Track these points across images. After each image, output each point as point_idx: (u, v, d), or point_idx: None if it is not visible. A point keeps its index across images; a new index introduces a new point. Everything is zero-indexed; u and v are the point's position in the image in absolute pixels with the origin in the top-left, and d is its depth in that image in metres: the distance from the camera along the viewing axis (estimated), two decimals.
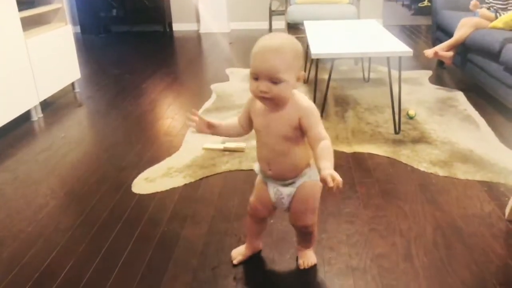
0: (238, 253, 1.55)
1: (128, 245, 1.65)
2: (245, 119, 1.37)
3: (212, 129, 1.39)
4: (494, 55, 2.63)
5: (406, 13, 7.01)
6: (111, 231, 1.74)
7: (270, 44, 1.18)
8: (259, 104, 1.28)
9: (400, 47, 2.40)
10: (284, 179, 1.34)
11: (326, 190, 1.12)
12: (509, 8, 2.87)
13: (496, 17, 2.92)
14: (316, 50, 2.37)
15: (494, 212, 1.78)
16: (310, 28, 2.96)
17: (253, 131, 1.38)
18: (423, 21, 6.15)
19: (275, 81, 1.16)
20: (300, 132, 1.26)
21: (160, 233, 1.72)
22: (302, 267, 1.49)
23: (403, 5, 7.65)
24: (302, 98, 1.26)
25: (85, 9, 5.79)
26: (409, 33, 5.45)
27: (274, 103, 1.22)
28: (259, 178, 1.42)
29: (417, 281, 1.43)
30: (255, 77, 1.19)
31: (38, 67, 2.91)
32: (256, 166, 1.42)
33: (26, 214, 1.88)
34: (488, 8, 3.09)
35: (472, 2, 3.07)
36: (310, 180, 1.33)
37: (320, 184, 1.21)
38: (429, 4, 6.15)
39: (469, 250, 1.57)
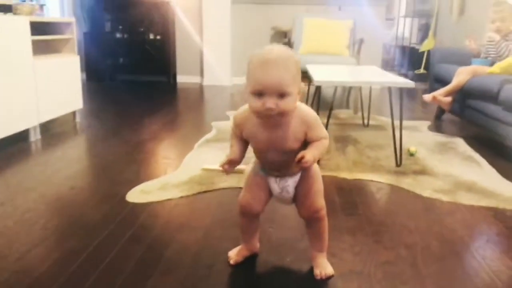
0: (235, 253, 1.47)
1: (117, 245, 1.56)
2: (239, 147, 1.28)
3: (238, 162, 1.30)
4: (493, 97, 2.68)
5: None
6: (100, 232, 1.65)
7: (273, 57, 1.11)
8: (255, 124, 1.22)
9: (401, 79, 2.44)
10: (292, 173, 1.32)
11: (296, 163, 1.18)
12: (503, 56, 2.97)
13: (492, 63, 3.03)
14: (318, 78, 2.41)
15: (503, 232, 1.71)
16: (313, 68, 3.03)
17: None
18: (419, 86, 6.35)
19: (282, 95, 1.11)
20: (304, 142, 1.24)
21: (152, 236, 1.63)
22: (319, 277, 1.36)
23: (399, 73, 7.94)
24: (304, 109, 1.23)
25: (93, 56, 5.96)
26: (408, 94, 5.60)
27: (278, 120, 1.16)
28: (253, 174, 1.37)
29: (425, 286, 1.34)
30: (259, 93, 1.11)
31: (42, 89, 2.93)
32: (257, 166, 1.37)
33: (12, 216, 1.79)
34: (486, 58, 3.21)
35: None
36: None
37: (317, 166, 1.34)
38: (425, 71, 6.40)
39: (479, 261, 1.49)
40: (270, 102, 1.10)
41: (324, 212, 1.36)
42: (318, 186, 1.34)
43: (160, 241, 1.59)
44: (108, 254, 1.48)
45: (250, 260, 1.47)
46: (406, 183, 2.23)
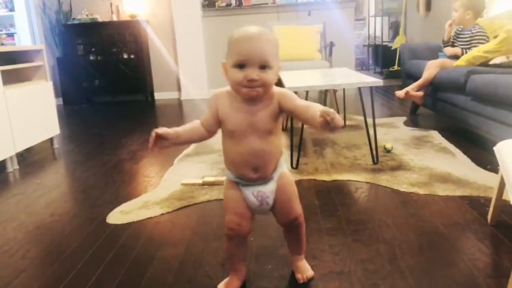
0: (227, 286, 1.36)
1: (99, 268, 1.55)
2: (212, 120, 1.24)
3: (171, 139, 1.25)
4: (461, 88, 2.75)
5: (378, 78, 7.37)
6: (81, 256, 1.64)
7: (254, 31, 1.13)
8: (232, 102, 1.20)
9: (370, 78, 2.49)
10: (267, 177, 1.26)
11: (324, 127, 1.06)
12: (472, 47, 3.05)
13: (462, 53, 3.09)
14: (289, 84, 2.45)
15: (477, 219, 1.75)
16: (284, 74, 3.07)
17: (218, 136, 1.28)
18: (394, 82, 6.45)
19: (264, 66, 1.11)
20: (277, 120, 1.22)
21: (134, 256, 1.63)
22: (301, 281, 1.36)
23: (374, 72, 8.05)
24: (277, 87, 1.23)
25: (68, 81, 5.92)
26: (382, 92, 5.69)
27: (260, 94, 1.15)
28: (229, 187, 1.30)
29: (404, 279, 1.36)
30: (241, 64, 1.11)
31: (16, 118, 2.91)
32: (229, 175, 1.30)
33: None
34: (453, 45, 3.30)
35: (448, 22, 3.28)
36: (283, 169, 1.31)
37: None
38: (399, 68, 6.50)
39: (455, 251, 1.52)
40: (253, 73, 1.10)
41: (302, 218, 1.35)
42: (295, 190, 1.32)
43: (142, 261, 1.59)
44: (90, 278, 1.48)
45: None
46: (384, 179, 2.26)
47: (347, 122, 3.65)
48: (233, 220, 1.28)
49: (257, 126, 1.19)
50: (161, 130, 1.24)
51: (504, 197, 1.66)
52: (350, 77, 2.63)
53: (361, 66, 8.81)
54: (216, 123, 1.25)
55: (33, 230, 1.92)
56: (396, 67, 7.01)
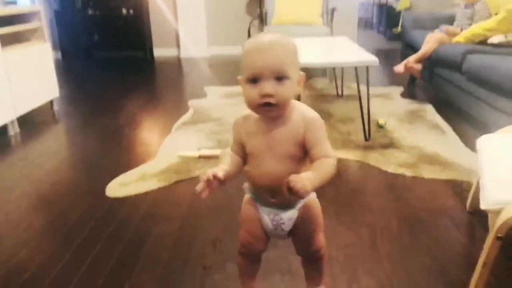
0: None
1: (98, 243, 1.66)
2: (238, 146, 1.14)
3: (226, 180, 1.10)
4: (457, 66, 2.77)
5: (381, 39, 7.28)
6: (82, 230, 1.75)
7: (268, 39, 1.00)
8: (252, 124, 1.09)
9: (366, 57, 2.51)
10: (288, 204, 1.13)
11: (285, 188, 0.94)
12: (473, 23, 3.03)
13: (461, 30, 3.08)
14: None
15: (457, 205, 1.85)
16: None
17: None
18: (397, 45, 6.38)
19: (281, 76, 0.97)
20: (305, 150, 1.05)
21: (131, 232, 1.73)
22: None
23: (378, 31, 7.94)
24: (306, 108, 1.07)
25: (66, 34, 5.87)
26: (384, 55, 5.65)
27: (278, 111, 1.02)
28: (247, 204, 1.19)
29: (381, 265, 1.47)
30: (255, 78, 0.98)
31: (15, 82, 2.94)
32: (249, 191, 1.19)
33: None
34: (457, 26, 3.28)
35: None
36: (309, 198, 1.15)
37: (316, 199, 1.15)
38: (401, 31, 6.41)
39: (431, 238, 1.62)
40: (268, 86, 0.97)
41: (324, 250, 1.21)
42: (320, 222, 1.18)
43: (138, 237, 1.69)
44: (89, 254, 1.58)
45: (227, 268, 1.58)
46: (373, 158, 2.34)
47: (345, 92, 3.68)
48: (245, 238, 1.20)
49: (276, 149, 1.06)
50: (221, 172, 1.07)
51: None
52: (347, 55, 2.63)
53: (365, 25, 8.66)
54: (243, 148, 1.14)
55: (35, 200, 2.02)
56: (399, 29, 6.91)
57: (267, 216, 1.14)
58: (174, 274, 1.47)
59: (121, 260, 1.55)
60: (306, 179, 0.93)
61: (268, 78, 0.97)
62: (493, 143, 1.55)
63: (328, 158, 1.02)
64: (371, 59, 2.46)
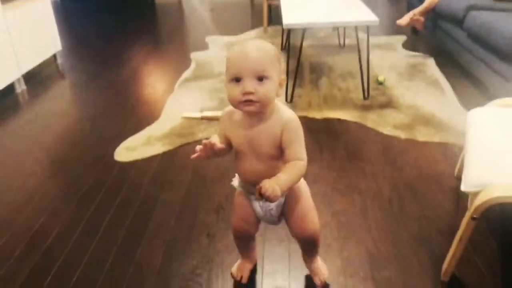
0: (240, 270, 1.44)
1: (109, 212, 1.78)
2: (223, 139, 1.19)
3: (216, 154, 1.16)
4: (459, 22, 2.74)
5: None
6: (94, 198, 1.88)
7: (250, 44, 1.08)
8: (237, 118, 1.15)
9: (367, 16, 2.49)
10: None
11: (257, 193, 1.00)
12: None
13: None
14: (287, 20, 2.47)
15: (446, 171, 1.95)
16: (285, 3, 3.01)
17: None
18: None
19: (261, 76, 1.05)
20: (281, 149, 1.12)
21: (140, 198, 1.86)
22: (320, 286, 1.39)
23: None
24: (285, 109, 1.14)
25: None
26: (388, 1, 5.50)
27: (259, 108, 1.07)
28: (238, 195, 1.30)
29: (370, 233, 1.61)
30: (237, 78, 1.06)
31: (18, 40, 2.96)
32: (236, 182, 1.30)
33: (14, 183, 2.01)
34: None
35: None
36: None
37: (304, 181, 1.24)
38: None
39: (420, 206, 1.74)
40: (249, 85, 1.04)
41: (317, 233, 1.31)
42: (309, 206, 1.27)
43: (147, 204, 1.83)
44: (102, 223, 1.73)
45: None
46: (371, 119, 2.42)
47: (347, 41, 3.66)
48: (238, 225, 1.33)
49: (257, 149, 1.13)
50: (219, 145, 1.12)
51: None
52: (347, 14, 2.61)
53: None
54: (227, 141, 1.20)
55: (48, 167, 2.14)
56: None
57: (257, 204, 1.25)
58: (181, 242, 1.61)
59: (132, 229, 1.69)
60: (277, 183, 1.01)
61: (249, 77, 1.05)
62: (483, 118, 1.61)
63: (300, 161, 1.10)
64: (371, 18, 2.45)
